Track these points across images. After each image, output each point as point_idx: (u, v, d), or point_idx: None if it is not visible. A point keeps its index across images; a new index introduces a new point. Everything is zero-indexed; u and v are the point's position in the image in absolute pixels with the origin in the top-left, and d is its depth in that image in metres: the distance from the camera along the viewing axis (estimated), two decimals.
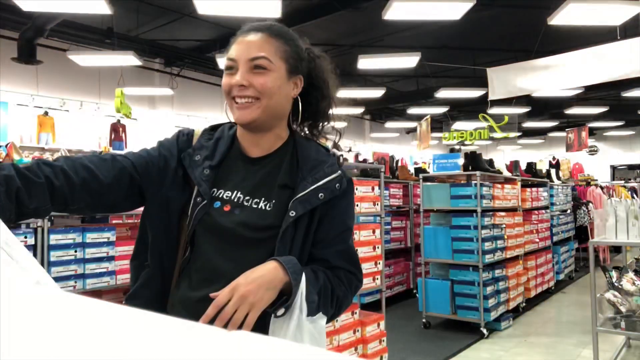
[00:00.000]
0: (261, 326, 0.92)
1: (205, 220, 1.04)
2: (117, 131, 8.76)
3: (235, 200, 1.05)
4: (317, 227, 1.06)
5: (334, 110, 1.18)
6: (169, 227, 1.06)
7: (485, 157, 5.64)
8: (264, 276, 0.92)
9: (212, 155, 1.09)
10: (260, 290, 0.90)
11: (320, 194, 1.04)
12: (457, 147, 13.13)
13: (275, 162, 1.10)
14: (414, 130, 12.99)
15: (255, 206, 1.05)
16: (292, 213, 1.02)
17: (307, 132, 1.19)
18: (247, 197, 1.06)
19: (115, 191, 1.01)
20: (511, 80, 6.69)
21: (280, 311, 0.94)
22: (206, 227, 1.04)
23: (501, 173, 5.49)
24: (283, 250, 1.01)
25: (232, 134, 1.14)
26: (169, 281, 1.06)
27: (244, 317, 0.88)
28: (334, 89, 1.17)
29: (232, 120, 1.11)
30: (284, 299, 0.95)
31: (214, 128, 1.17)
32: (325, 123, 1.19)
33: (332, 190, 1.06)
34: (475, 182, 4.64)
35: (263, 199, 1.05)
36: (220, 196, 1.06)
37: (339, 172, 1.09)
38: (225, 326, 0.86)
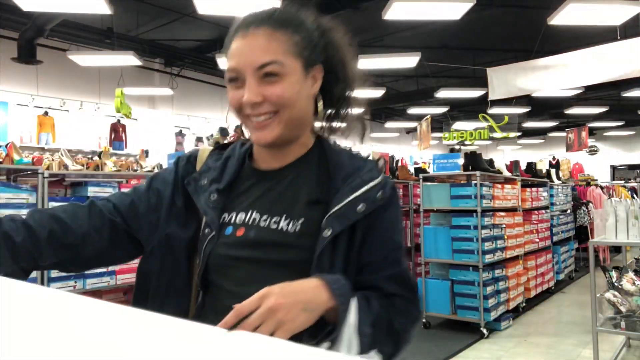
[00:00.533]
0: None
1: (217, 252, 0.87)
2: (117, 131, 8.78)
3: (250, 222, 0.88)
4: (359, 248, 0.86)
5: (356, 90, 1.00)
6: (176, 268, 0.90)
7: (485, 157, 5.64)
8: (303, 293, 0.73)
9: (219, 177, 0.93)
10: (294, 308, 0.71)
11: (359, 206, 0.85)
12: (457, 147, 13.15)
13: (297, 172, 0.92)
14: (414, 130, 13.00)
15: (274, 226, 0.86)
16: (328, 232, 0.83)
17: (328, 126, 1.00)
18: (265, 216, 0.88)
19: (95, 241, 0.88)
20: (511, 80, 6.69)
21: (325, 345, 0.74)
22: (218, 261, 0.87)
23: (501, 173, 5.49)
24: None
25: (244, 152, 0.97)
26: None
27: (268, 335, 0.68)
28: (352, 65, 0.97)
29: (245, 135, 0.95)
30: (328, 329, 0.75)
31: (223, 147, 1.01)
32: (346, 109, 1.00)
33: (373, 200, 0.86)
34: (475, 182, 4.63)
35: (284, 216, 0.87)
36: (232, 221, 0.89)
37: (380, 177, 0.89)
38: None
